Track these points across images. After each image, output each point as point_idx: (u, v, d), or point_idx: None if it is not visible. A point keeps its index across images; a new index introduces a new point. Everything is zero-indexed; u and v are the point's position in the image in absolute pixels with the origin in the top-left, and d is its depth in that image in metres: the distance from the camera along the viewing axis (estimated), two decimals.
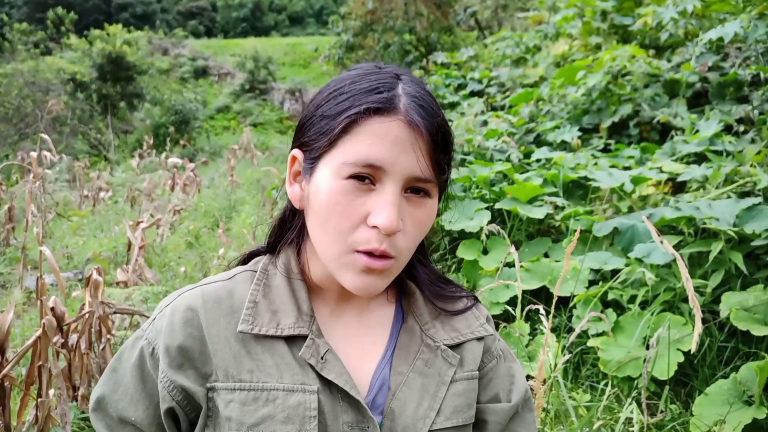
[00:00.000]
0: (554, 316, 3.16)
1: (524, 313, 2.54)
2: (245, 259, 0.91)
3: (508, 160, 4.81)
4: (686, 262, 2.86)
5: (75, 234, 6.45)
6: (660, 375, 2.46)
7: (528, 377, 2.34)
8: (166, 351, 0.77)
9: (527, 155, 4.96)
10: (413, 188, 0.74)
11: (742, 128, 4.27)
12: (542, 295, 3.32)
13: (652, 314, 2.73)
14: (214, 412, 0.76)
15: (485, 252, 3.65)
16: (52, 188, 8.69)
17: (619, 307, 2.99)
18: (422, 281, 0.88)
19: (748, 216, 2.83)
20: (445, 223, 3.78)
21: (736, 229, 2.73)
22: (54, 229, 6.72)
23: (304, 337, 0.78)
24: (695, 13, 5.87)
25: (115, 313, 3.00)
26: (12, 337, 3.36)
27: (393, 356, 0.83)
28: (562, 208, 3.78)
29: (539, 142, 5.48)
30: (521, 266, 3.35)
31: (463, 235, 3.84)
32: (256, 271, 0.84)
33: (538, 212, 3.70)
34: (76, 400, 2.75)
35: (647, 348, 2.52)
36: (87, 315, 2.79)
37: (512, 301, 3.21)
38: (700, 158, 4.06)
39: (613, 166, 4.13)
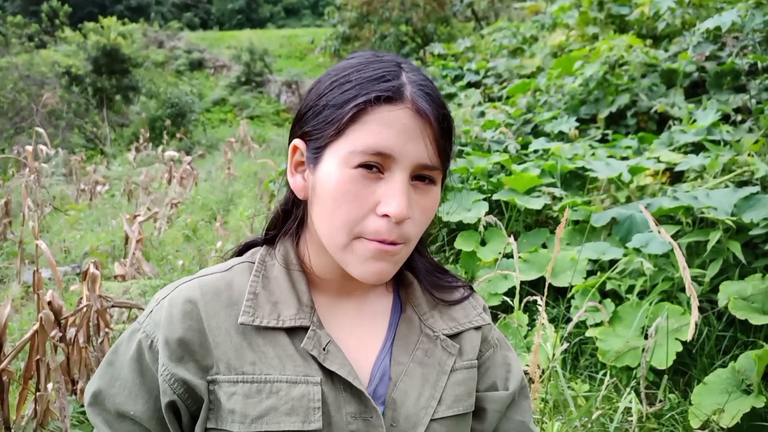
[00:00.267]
0: (552, 307, 3.17)
1: (522, 303, 2.54)
2: (240, 251, 0.90)
3: (505, 151, 4.80)
4: (684, 252, 2.86)
5: (72, 228, 6.44)
6: (658, 364, 2.46)
7: (526, 370, 2.34)
8: (166, 344, 0.76)
9: (525, 146, 4.95)
10: (419, 176, 0.75)
11: (739, 117, 4.27)
12: (540, 285, 3.31)
13: (650, 304, 2.73)
14: (216, 405, 0.76)
15: (483, 243, 3.65)
16: (48, 182, 8.67)
17: (617, 297, 3.00)
18: (419, 271, 0.88)
19: (746, 205, 2.82)
20: (443, 215, 3.77)
21: (734, 218, 2.73)
22: (51, 223, 6.70)
23: (305, 329, 0.78)
24: (692, 3, 5.85)
25: (113, 306, 3.00)
26: (10, 331, 3.36)
27: (393, 346, 0.83)
28: (560, 198, 3.78)
29: (537, 132, 5.47)
30: (519, 257, 3.35)
31: (461, 226, 3.83)
32: (253, 263, 0.83)
33: (535, 203, 3.69)
34: (75, 394, 2.75)
35: (646, 338, 2.52)
36: (85, 309, 2.79)
37: (511, 292, 3.21)
38: (697, 148, 4.06)
39: (610, 157, 4.12)
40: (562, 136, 5.13)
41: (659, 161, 3.79)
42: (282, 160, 9.40)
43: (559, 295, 3.22)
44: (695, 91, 5.19)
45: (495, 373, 0.89)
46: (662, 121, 4.96)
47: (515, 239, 3.70)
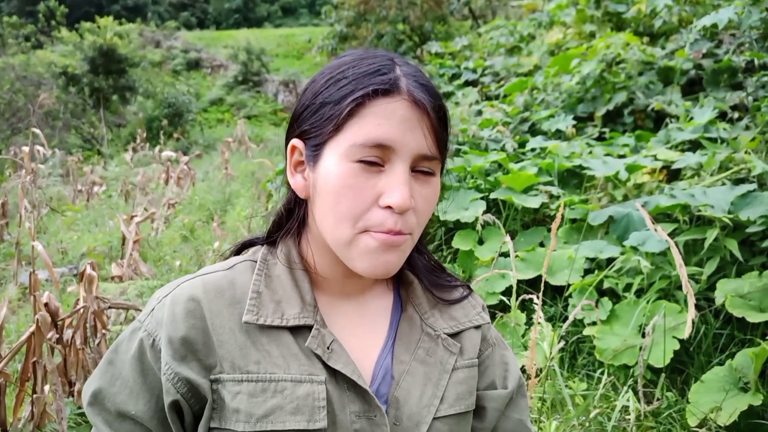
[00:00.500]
0: (550, 306, 3.16)
1: (519, 302, 2.54)
2: (239, 250, 0.90)
3: (503, 149, 4.80)
4: (681, 250, 2.86)
5: (69, 229, 6.43)
6: (656, 363, 2.46)
7: (523, 368, 2.34)
8: (169, 343, 0.75)
9: (522, 144, 4.95)
10: (420, 169, 0.75)
11: (736, 115, 4.27)
12: (538, 284, 3.31)
13: (647, 302, 2.73)
14: (220, 404, 0.75)
15: (481, 242, 3.65)
16: (45, 183, 8.65)
17: (614, 296, 3.00)
18: (420, 270, 0.89)
19: (742, 203, 2.83)
20: (440, 213, 3.77)
21: (731, 216, 2.73)
22: (48, 224, 6.68)
23: (308, 328, 0.78)
24: (689, 0, 5.85)
25: (110, 307, 2.99)
26: (7, 333, 3.35)
27: (394, 345, 0.83)
28: (558, 197, 3.78)
29: (534, 131, 5.47)
30: (516, 256, 3.35)
31: (458, 225, 3.83)
32: (255, 261, 0.83)
33: (533, 201, 3.69)
34: (72, 396, 2.74)
35: (643, 336, 2.52)
36: (82, 310, 2.78)
37: (508, 291, 3.21)
38: (694, 145, 4.06)
39: (607, 155, 4.12)
40: (559, 135, 5.13)
41: (656, 159, 3.79)
42: (279, 159, 9.39)
43: (557, 293, 3.22)
44: (692, 88, 5.19)
45: (494, 372, 0.90)
46: (659, 119, 4.96)
47: (512, 238, 3.71)
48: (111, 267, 4.44)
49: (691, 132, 4.02)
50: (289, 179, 0.81)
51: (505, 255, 3.34)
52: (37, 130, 7.71)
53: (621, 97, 5.10)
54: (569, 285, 2.99)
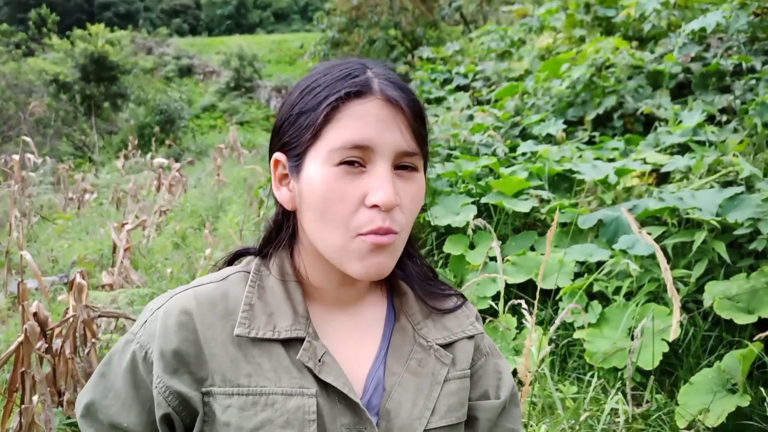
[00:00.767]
0: (540, 309, 3.17)
1: (508, 307, 2.54)
2: (231, 259, 0.90)
3: (494, 154, 4.81)
4: (670, 253, 2.88)
5: (60, 237, 6.40)
6: (645, 365, 2.47)
7: (515, 372, 2.35)
8: (161, 356, 0.75)
9: (513, 149, 4.96)
10: (401, 165, 0.75)
11: (724, 118, 4.30)
12: (529, 288, 3.32)
13: (636, 305, 2.74)
14: (211, 417, 0.75)
15: (472, 247, 3.65)
16: (36, 191, 8.61)
17: (604, 299, 3.01)
18: (413, 279, 0.89)
19: (730, 205, 2.84)
20: (431, 219, 3.78)
21: (719, 218, 2.75)
22: (39, 233, 6.65)
23: (300, 340, 0.78)
24: (677, 4, 5.90)
25: (100, 316, 2.97)
26: None
27: (387, 357, 0.83)
28: (548, 201, 3.79)
29: (525, 135, 5.49)
30: (508, 260, 3.36)
31: (449, 230, 3.83)
32: (248, 272, 0.83)
33: (523, 206, 3.70)
34: (62, 406, 2.72)
35: (632, 339, 2.53)
36: (71, 319, 2.77)
37: (499, 296, 3.22)
38: (683, 149, 4.08)
39: (597, 159, 4.14)
40: (549, 139, 5.15)
41: (645, 162, 3.81)
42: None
43: (547, 297, 3.23)
44: (681, 92, 5.23)
45: (487, 382, 0.90)
46: (648, 123, 4.99)
47: (503, 242, 3.72)
48: (102, 275, 4.42)
49: (679, 135, 4.05)
50: (275, 193, 0.81)
51: (495, 259, 3.35)
52: (28, 138, 7.69)
53: (611, 101, 5.12)
54: (559, 288, 3.00)
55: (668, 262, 2.78)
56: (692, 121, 4.09)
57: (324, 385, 0.77)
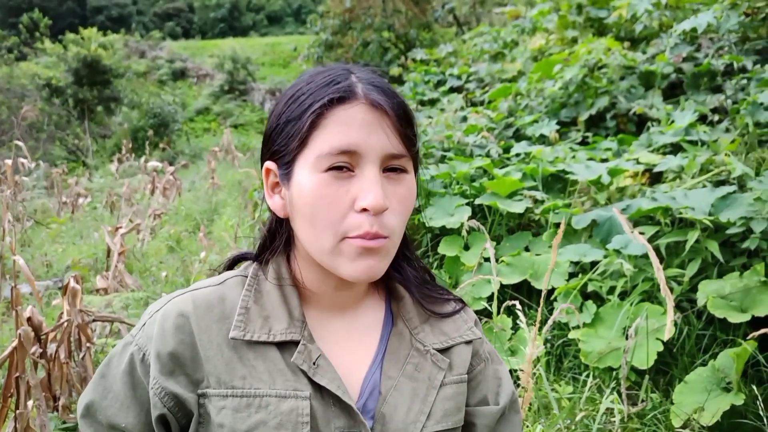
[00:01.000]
0: (535, 310, 3.18)
1: (503, 307, 2.55)
2: (231, 264, 0.91)
3: (487, 155, 4.83)
4: (664, 252, 2.89)
5: (54, 241, 6.37)
6: (640, 365, 2.48)
7: (512, 371, 2.35)
8: (158, 357, 0.77)
9: (507, 150, 4.98)
10: (390, 168, 0.76)
11: (716, 118, 4.32)
12: (524, 289, 3.33)
13: (631, 305, 2.75)
14: (206, 418, 0.76)
15: (467, 248, 3.66)
16: (29, 195, 8.57)
17: (599, 299, 3.02)
18: (411, 283, 0.89)
19: (723, 205, 2.86)
20: (426, 220, 3.78)
21: (711, 217, 2.77)
22: (33, 237, 6.62)
23: (295, 343, 0.78)
24: (669, 5, 5.93)
25: (94, 320, 2.97)
26: None
27: (383, 361, 0.83)
28: (542, 201, 3.81)
29: (518, 136, 5.51)
30: (502, 261, 3.36)
31: (444, 231, 3.84)
32: (246, 276, 0.84)
33: (517, 206, 3.71)
34: (57, 411, 2.71)
35: (627, 338, 2.54)
36: (65, 324, 2.76)
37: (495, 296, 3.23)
38: (676, 148, 4.11)
39: (590, 159, 4.15)
40: (543, 140, 5.17)
41: (638, 162, 3.83)
42: None
43: (541, 297, 3.24)
44: (673, 92, 5.25)
45: (486, 388, 0.90)
46: (641, 123, 5.01)
47: (498, 243, 3.73)
48: (96, 279, 4.40)
49: (672, 135, 4.07)
50: (268, 201, 0.83)
51: (489, 260, 3.36)
52: (21, 143, 7.65)
53: (603, 102, 5.14)
54: (553, 289, 3.01)
55: (662, 262, 2.80)
56: (684, 121, 4.11)
57: (318, 388, 0.77)
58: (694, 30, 5.01)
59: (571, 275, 3.20)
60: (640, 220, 3.18)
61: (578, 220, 3.33)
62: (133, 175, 11.22)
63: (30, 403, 2.43)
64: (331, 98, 0.74)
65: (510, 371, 2.36)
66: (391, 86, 0.79)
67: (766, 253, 2.69)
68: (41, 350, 2.64)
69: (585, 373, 2.70)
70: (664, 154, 4.04)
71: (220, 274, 0.88)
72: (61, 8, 38.27)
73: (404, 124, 0.76)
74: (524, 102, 5.97)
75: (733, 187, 2.97)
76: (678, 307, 2.79)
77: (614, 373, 2.62)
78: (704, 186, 3.22)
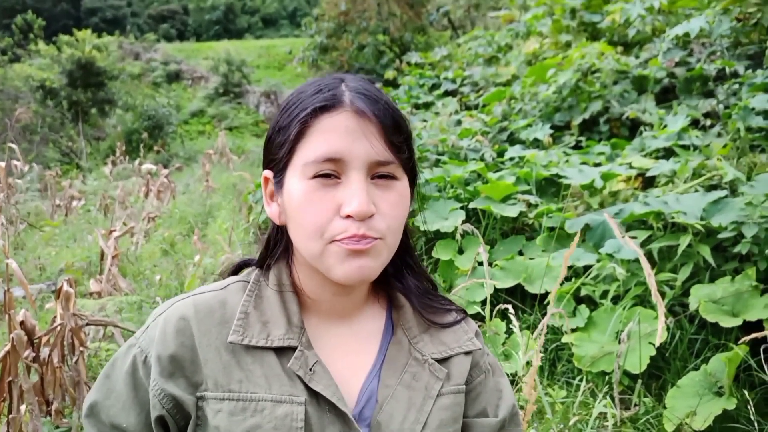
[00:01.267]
0: (529, 314, 3.19)
1: (496, 311, 2.55)
2: (236, 269, 0.92)
3: (481, 159, 4.84)
4: (656, 256, 2.91)
5: (47, 244, 6.34)
6: (633, 369, 2.49)
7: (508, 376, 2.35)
8: (158, 360, 0.78)
9: (501, 154, 5.00)
10: (379, 174, 0.77)
11: (708, 122, 4.35)
12: (518, 292, 3.34)
13: (624, 309, 2.77)
14: (203, 420, 0.78)
15: (461, 251, 3.67)
16: (23, 198, 8.52)
17: (592, 303, 3.03)
18: (412, 292, 0.89)
19: (714, 209, 2.88)
20: (420, 224, 3.79)
21: (703, 222, 2.78)
22: (26, 240, 6.59)
23: (293, 349, 0.79)
24: (662, 10, 5.97)
25: (87, 324, 2.96)
26: None
27: (382, 369, 0.84)
28: (536, 205, 3.82)
29: (512, 140, 5.53)
30: (497, 264, 3.37)
31: (438, 235, 3.85)
32: (248, 282, 0.85)
33: (511, 210, 3.73)
34: (50, 415, 2.70)
35: (620, 342, 2.56)
36: (59, 328, 2.75)
37: (490, 299, 3.24)
38: (668, 153, 4.13)
39: (584, 163, 4.17)
40: (537, 144, 5.19)
41: (631, 167, 3.85)
42: (261, 171, 9.32)
43: (535, 301, 3.25)
44: (666, 96, 5.29)
45: (485, 400, 0.90)
46: (634, 127, 5.04)
47: (492, 246, 3.74)
48: (89, 283, 4.39)
49: (664, 140, 4.10)
50: (266, 209, 0.84)
51: (483, 264, 3.37)
52: (14, 145, 7.63)
53: (596, 106, 5.17)
54: (547, 293, 3.02)
55: (654, 266, 2.82)
56: (677, 125, 4.14)
57: (314, 395, 0.78)
58: (686, 35, 5.05)
59: (565, 279, 3.21)
60: (632, 224, 3.20)
61: (571, 224, 3.35)
62: (127, 177, 11.18)
63: (23, 407, 2.42)
64: (316, 107, 0.75)
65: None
66: (381, 94, 0.79)
67: (758, 257, 2.71)
68: (34, 354, 2.63)
69: (578, 377, 2.71)
70: (657, 158, 4.06)
71: (224, 279, 0.90)
72: (55, 10, 38.16)
73: (391, 131, 0.77)
74: (518, 106, 6.00)
75: (725, 192, 2.99)
76: (670, 311, 2.80)
77: (607, 377, 2.63)
78: (696, 190, 3.25)
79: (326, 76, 0.80)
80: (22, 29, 25.26)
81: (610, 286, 2.93)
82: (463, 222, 3.66)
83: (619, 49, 6.13)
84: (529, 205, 3.88)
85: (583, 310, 2.88)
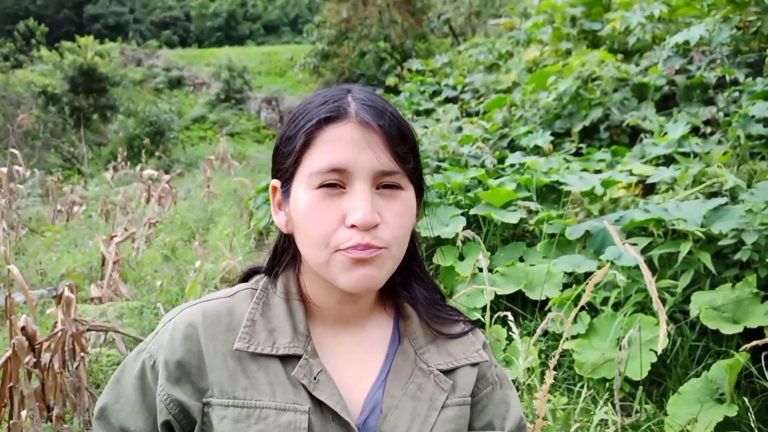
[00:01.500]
0: (530, 321, 3.19)
1: (495, 317, 2.56)
2: (246, 277, 0.93)
3: (482, 165, 4.85)
4: (657, 263, 2.91)
5: (49, 250, 6.34)
6: (634, 376, 2.49)
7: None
8: (165, 365, 0.79)
9: (501, 160, 5.01)
10: (384, 184, 0.77)
11: (708, 130, 4.36)
12: (518, 299, 3.35)
13: (624, 315, 2.77)
14: (209, 426, 0.78)
15: (461, 258, 3.68)
16: (24, 203, 8.54)
17: (593, 309, 3.03)
18: (419, 302, 0.89)
19: (715, 216, 2.89)
20: (421, 230, 3.79)
21: (703, 229, 2.79)
22: (27, 245, 6.59)
23: (298, 357, 0.80)
24: (662, 18, 5.99)
25: (88, 330, 2.96)
26: None
27: (387, 379, 0.84)
28: (536, 212, 3.83)
29: (513, 147, 5.54)
30: (497, 271, 3.38)
31: (439, 241, 3.86)
32: (256, 289, 0.86)
33: (512, 217, 3.73)
34: (51, 421, 2.70)
35: (621, 349, 2.56)
36: (59, 333, 2.75)
37: (491, 305, 3.24)
38: (668, 160, 4.14)
39: (584, 170, 4.18)
40: (537, 150, 5.20)
41: (631, 174, 3.86)
42: (262, 177, 9.37)
43: (536, 308, 3.25)
44: (666, 104, 5.30)
45: (492, 412, 0.90)
46: (634, 134, 5.05)
47: (493, 253, 3.74)
48: (90, 288, 4.39)
49: (665, 147, 4.11)
50: (274, 218, 0.85)
51: (488, 270, 3.37)
52: (16, 151, 7.65)
53: (597, 113, 5.19)
54: (548, 299, 3.03)
55: (655, 273, 2.82)
56: (677, 132, 4.15)
57: (318, 403, 0.78)
58: (686, 43, 5.06)
59: (565, 285, 3.21)
60: (633, 231, 3.21)
61: (572, 230, 3.35)
62: (129, 183, 11.20)
63: (24, 413, 2.42)
64: (322, 118, 0.76)
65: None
66: (387, 105, 0.80)
67: (758, 264, 2.71)
68: (35, 360, 2.63)
69: (579, 384, 2.71)
70: (657, 165, 4.07)
71: (233, 286, 0.90)
72: (58, 16, 38.32)
73: (396, 141, 0.77)
74: (519, 113, 6.01)
75: (725, 199, 2.99)
76: (671, 318, 2.80)
77: (608, 383, 2.62)
78: (696, 198, 3.25)
79: (333, 87, 0.81)
80: (24, 35, 25.37)
81: (610, 293, 2.93)
82: (464, 228, 3.66)
83: (620, 56, 6.15)
84: (530, 211, 3.88)
85: (584, 316, 2.88)
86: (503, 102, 6.43)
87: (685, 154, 4.01)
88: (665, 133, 4.36)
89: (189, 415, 0.79)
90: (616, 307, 2.94)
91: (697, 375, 2.56)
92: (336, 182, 0.75)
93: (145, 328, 3.68)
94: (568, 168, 4.31)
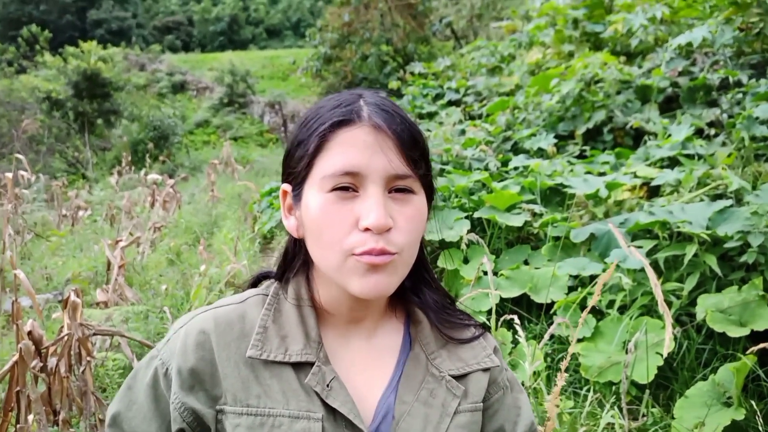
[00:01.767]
0: (535, 324, 3.19)
1: (501, 321, 2.55)
2: (255, 282, 0.93)
3: (486, 168, 4.85)
4: (662, 266, 2.90)
5: (54, 254, 6.36)
6: (640, 379, 2.49)
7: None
8: (179, 373, 0.79)
9: (505, 163, 5.01)
10: (396, 188, 0.77)
11: (712, 132, 4.36)
12: (523, 302, 3.34)
13: (630, 318, 2.76)
14: None
15: (466, 261, 3.67)
16: (29, 208, 8.57)
17: (598, 312, 3.03)
18: (430, 307, 0.89)
19: (720, 218, 2.88)
20: (426, 234, 3.79)
21: (709, 231, 2.78)
22: (33, 250, 6.62)
23: (311, 364, 0.79)
24: (664, 20, 5.99)
25: (94, 334, 2.96)
26: None
27: (399, 385, 0.84)
28: (540, 215, 3.82)
29: (516, 149, 5.54)
30: (502, 274, 3.37)
31: (443, 244, 3.85)
32: (267, 295, 0.86)
33: (516, 220, 3.73)
34: (57, 425, 2.70)
35: (627, 352, 2.55)
36: (66, 338, 2.76)
37: (496, 309, 3.23)
38: (673, 162, 4.14)
39: (588, 173, 4.18)
40: (541, 153, 5.20)
41: (636, 176, 3.85)
42: (266, 181, 9.38)
43: (542, 311, 3.25)
44: (669, 106, 5.30)
45: (503, 417, 0.90)
46: (638, 136, 5.05)
47: (497, 256, 3.74)
48: (96, 293, 4.40)
49: (669, 149, 4.10)
50: (284, 222, 0.84)
51: (493, 273, 3.37)
52: (21, 156, 7.67)
53: (600, 116, 5.18)
54: (553, 302, 3.02)
55: (660, 276, 2.82)
56: (681, 134, 4.15)
57: (331, 410, 0.78)
58: (689, 44, 5.07)
59: (570, 288, 3.21)
60: (638, 233, 3.20)
61: (576, 233, 3.35)
62: (133, 187, 11.23)
63: (30, 417, 2.43)
64: (335, 121, 0.76)
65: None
66: (399, 109, 0.80)
67: (764, 267, 2.71)
68: (42, 364, 2.64)
69: (585, 388, 2.70)
70: (662, 167, 4.07)
71: (243, 291, 0.90)
72: (61, 22, 38.48)
73: (408, 146, 0.77)
74: (522, 116, 6.01)
75: (730, 201, 2.99)
76: (677, 320, 2.80)
77: (615, 387, 2.62)
78: (701, 200, 3.25)
79: (344, 92, 0.81)
80: (28, 41, 25.50)
81: (616, 296, 2.93)
82: (468, 231, 3.66)
83: (622, 58, 6.14)
84: (534, 214, 3.88)
85: (590, 319, 2.87)
86: (506, 105, 6.43)
87: (689, 156, 4.01)
88: (669, 135, 4.35)
89: (203, 422, 0.79)
90: (622, 310, 2.93)
91: (704, 378, 2.55)
92: (349, 185, 0.75)
93: (151, 332, 3.69)
94: (572, 170, 4.31)
